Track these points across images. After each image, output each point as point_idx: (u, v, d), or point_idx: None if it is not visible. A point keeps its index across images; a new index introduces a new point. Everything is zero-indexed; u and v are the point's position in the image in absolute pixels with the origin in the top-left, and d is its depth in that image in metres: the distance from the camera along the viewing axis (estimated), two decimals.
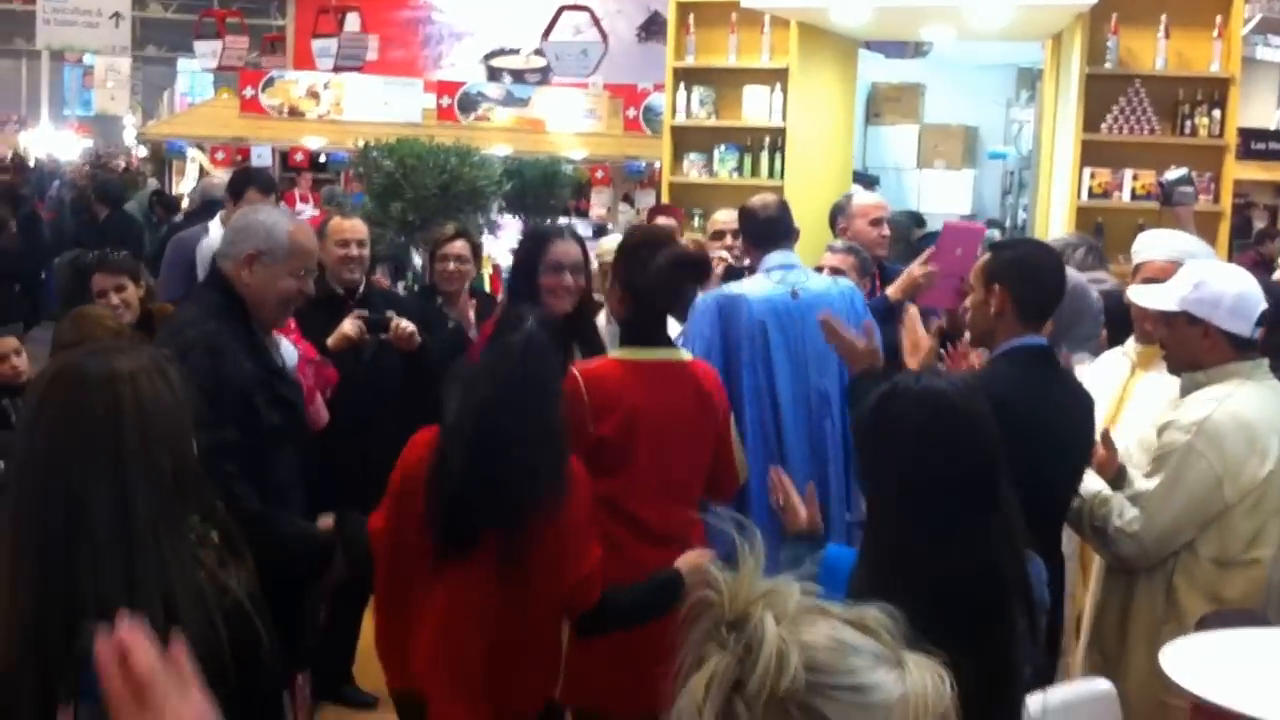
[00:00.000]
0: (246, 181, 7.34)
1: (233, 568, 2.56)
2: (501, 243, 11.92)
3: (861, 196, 6.75)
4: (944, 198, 12.75)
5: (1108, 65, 8.38)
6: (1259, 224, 14.68)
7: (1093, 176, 8.44)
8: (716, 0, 9.45)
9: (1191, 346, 4.10)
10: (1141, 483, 4.09)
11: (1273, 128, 18.63)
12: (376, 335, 5.48)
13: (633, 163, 16.49)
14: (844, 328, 4.40)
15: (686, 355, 4.51)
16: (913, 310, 4.68)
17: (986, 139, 13.23)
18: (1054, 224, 8.77)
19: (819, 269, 5.84)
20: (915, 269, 5.63)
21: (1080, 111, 8.38)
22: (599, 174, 16.94)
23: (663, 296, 4.36)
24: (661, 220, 7.93)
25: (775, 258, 5.44)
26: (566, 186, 13.50)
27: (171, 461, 2.43)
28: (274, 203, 7.00)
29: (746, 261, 6.08)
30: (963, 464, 2.83)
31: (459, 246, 6.36)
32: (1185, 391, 4.14)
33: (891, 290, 5.75)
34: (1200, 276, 4.15)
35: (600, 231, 12.77)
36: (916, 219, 9.39)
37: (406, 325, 5.53)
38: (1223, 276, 4.19)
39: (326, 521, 4.14)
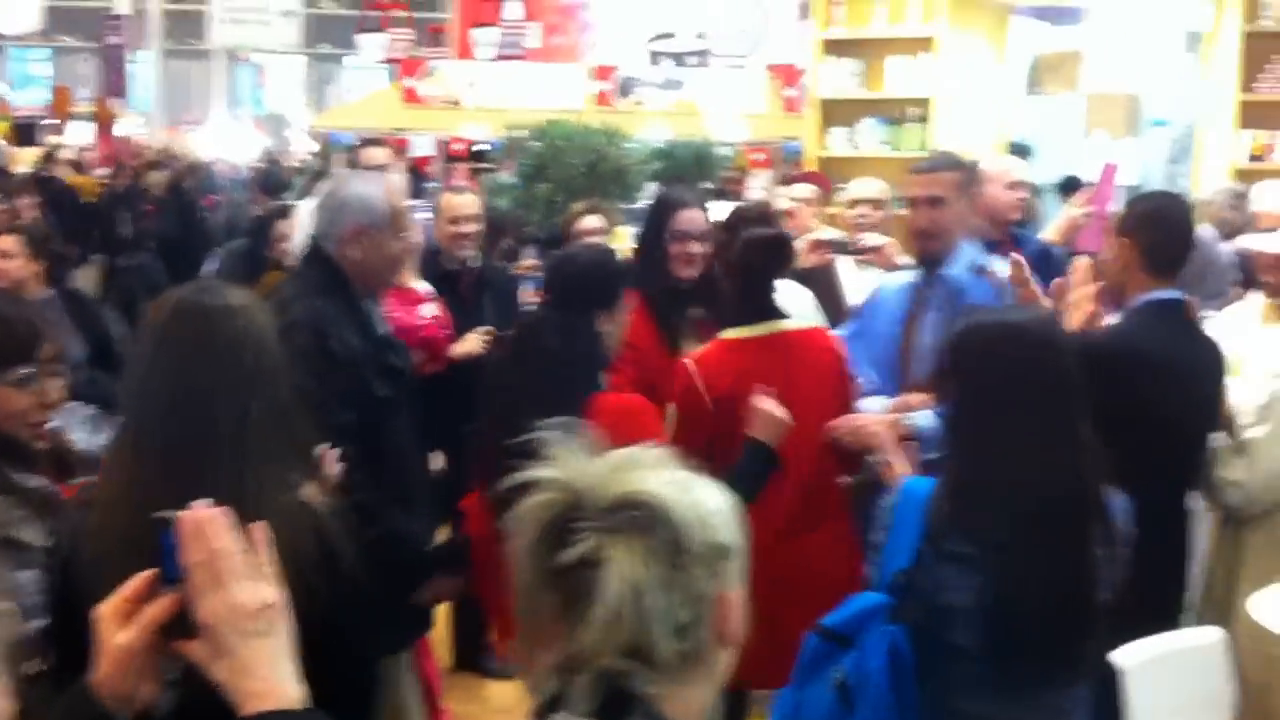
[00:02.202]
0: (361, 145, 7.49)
1: (319, 494, 2.70)
2: None
3: (995, 161, 6.53)
4: None
5: (1266, 21, 8.03)
6: None
7: (1251, 139, 8.11)
8: None
9: None
10: (1249, 432, 4.02)
11: None
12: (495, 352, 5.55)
13: (792, 144, 16.27)
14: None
15: (794, 324, 4.45)
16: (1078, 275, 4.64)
17: (1150, 106, 12.77)
18: (1213, 189, 8.45)
19: None
20: (1074, 211, 5.64)
21: (1239, 71, 8.06)
22: (758, 156, 16.78)
23: (745, 276, 4.37)
24: (802, 188, 7.83)
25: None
26: (719, 168, 13.36)
27: (278, 389, 2.61)
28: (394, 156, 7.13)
29: (867, 237, 6.00)
30: (1033, 388, 2.99)
31: (592, 222, 6.34)
32: None
33: (1049, 234, 5.72)
34: None
35: None
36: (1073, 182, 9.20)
37: None
38: None
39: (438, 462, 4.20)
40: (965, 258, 4.67)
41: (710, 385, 4.19)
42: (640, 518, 1.59)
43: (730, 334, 4.34)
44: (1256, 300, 4.76)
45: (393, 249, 4.12)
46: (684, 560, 1.60)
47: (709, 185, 12.95)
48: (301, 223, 5.26)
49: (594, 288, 3.96)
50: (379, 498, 3.75)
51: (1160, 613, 3.78)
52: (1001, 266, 4.61)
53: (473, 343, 5.51)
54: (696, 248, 4.88)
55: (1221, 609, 4.05)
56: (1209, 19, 9.48)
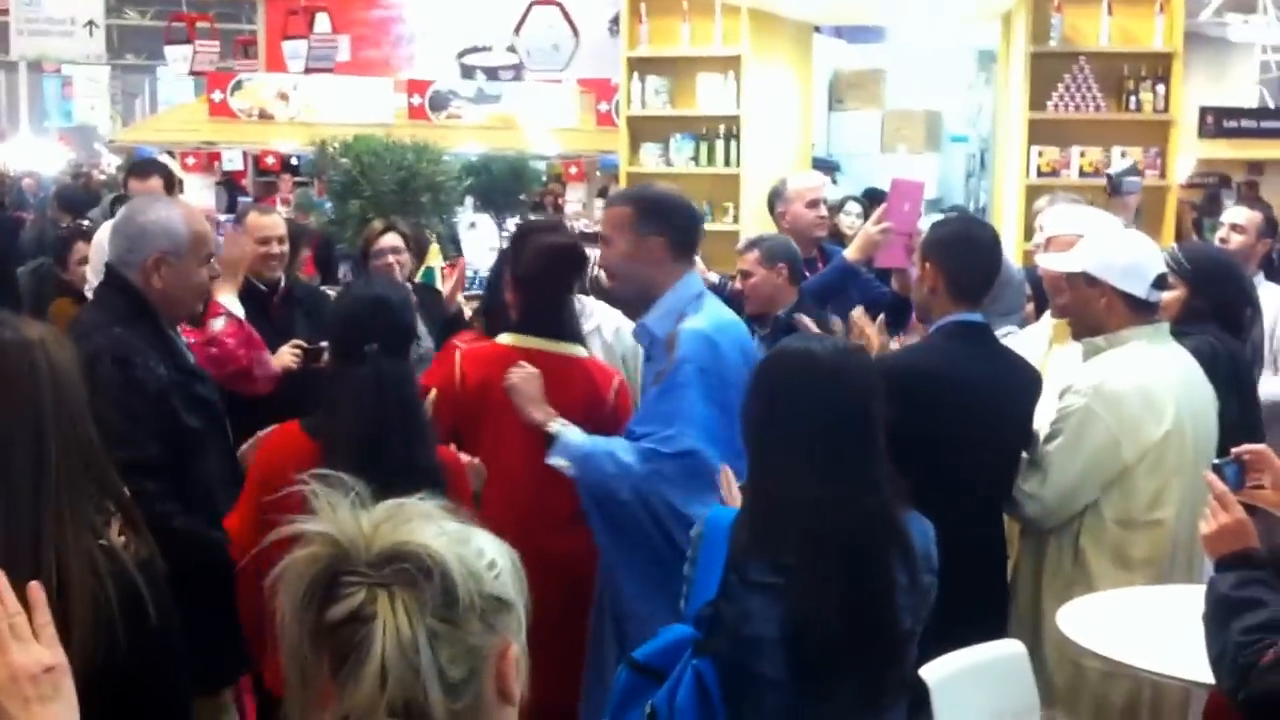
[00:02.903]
0: (129, 173, 7.29)
1: (131, 543, 2.57)
2: (478, 240, 11.79)
3: (797, 179, 6.69)
4: None
5: (1052, 42, 8.34)
6: (1229, 204, 14.60)
7: (1040, 155, 8.41)
8: None
9: (1091, 309, 4.13)
10: (1044, 446, 4.12)
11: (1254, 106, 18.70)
12: (310, 364, 5.36)
13: (607, 157, 16.43)
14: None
15: (582, 351, 4.46)
16: (857, 311, 4.80)
17: (949, 122, 13.18)
18: (1008, 205, 8.75)
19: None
20: (870, 228, 5.65)
21: (1026, 90, 8.35)
22: (572, 170, 16.91)
23: (538, 284, 4.37)
24: None
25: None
26: (535, 182, 13.45)
27: (79, 428, 2.48)
28: (165, 189, 6.96)
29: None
30: (827, 414, 2.98)
31: (390, 240, 6.30)
32: (1087, 356, 4.17)
33: (849, 251, 5.80)
34: (1097, 239, 4.26)
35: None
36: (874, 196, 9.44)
37: None
38: (1119, 239, 4.31)
39: None
40: (671, 303, 4.14)
41: (466, 373, 4.25)
42: (409, 570, 1.53)
43: (506, 338, 4.35)
44: (1046, 320, 4.89)
45: (197, 276, 4.02)
46: (456, 614, 1.54)
47: (523, 198, 13.04)
48: (99, 246, 5.00)
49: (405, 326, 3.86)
50: (186, 528, 3.68)
51: (982, 632, 3.74)
52: (692, 320, 4.04)
53: (285, 358, 5.44)
54: None
55: (1029, 622, 4.13)
56: (997, 40, 9.82)
